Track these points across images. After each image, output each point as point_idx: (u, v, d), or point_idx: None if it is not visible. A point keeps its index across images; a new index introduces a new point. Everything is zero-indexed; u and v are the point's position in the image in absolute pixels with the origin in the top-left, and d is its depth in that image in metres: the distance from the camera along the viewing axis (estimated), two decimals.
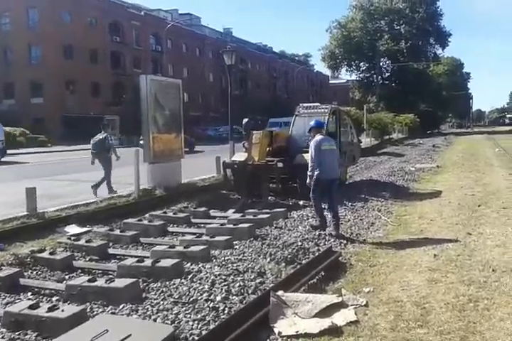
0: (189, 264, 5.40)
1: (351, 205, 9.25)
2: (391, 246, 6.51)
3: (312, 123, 7.63)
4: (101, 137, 10.49)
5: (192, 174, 12.74)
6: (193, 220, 7.89)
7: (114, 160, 10.56)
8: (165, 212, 8.14)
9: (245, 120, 10.90)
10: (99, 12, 45.33)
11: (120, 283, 4.50)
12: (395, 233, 7.33)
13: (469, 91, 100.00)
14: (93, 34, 44.49)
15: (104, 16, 46.17)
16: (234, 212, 8.45)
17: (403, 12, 54.50)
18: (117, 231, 6.88)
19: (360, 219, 8.17)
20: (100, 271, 5.47)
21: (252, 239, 6.50)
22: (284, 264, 5.45)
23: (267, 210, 8.18)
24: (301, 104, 11.90)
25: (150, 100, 10.20)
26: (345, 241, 6.68)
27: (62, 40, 41.39)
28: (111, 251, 6.18)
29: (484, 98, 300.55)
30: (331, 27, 55.16)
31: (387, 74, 58.67)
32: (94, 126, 30.51)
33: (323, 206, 7.33)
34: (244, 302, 4.33)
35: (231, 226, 6.84)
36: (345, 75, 65.04)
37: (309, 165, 7.15)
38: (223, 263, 5.39)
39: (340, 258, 5.86)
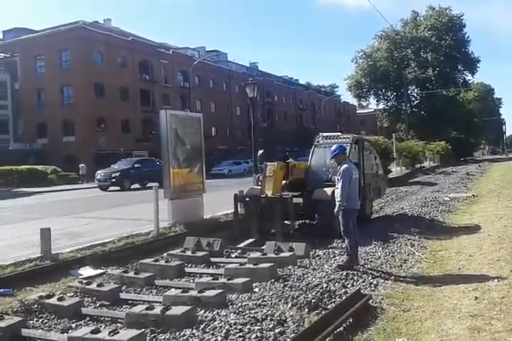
0: (202, 311, 4.95)
1: (382, 240, 8.65)
2: (427, 286, 5.94)
3: (334, 148, 7.09)
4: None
5: (215, 209, 12.40)
6: (212, 259, 7.47)
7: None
8: (183, 251, 7.75)
9: (260, 151, 10.41)
10: (129, 52, 46.89)
11: (125, 335, 4.09)
12: (430, 271, 6.73)
13: (502, 116, 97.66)
14: (123, 73, 45.88)
15: (134, 56, 47.68)
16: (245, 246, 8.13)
17: (429, 40, 54.27)
18: (131, 273, 6.52)
19: (392, 256, 7.58)
20: (109, 319, 5.10)
21: (273, 280, 6.03)
22: (307, 310, 4.95)
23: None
24: (320, 134, 11.00)
25: (170, 135, 10.02)
26: (375, 282, 6.14)
27: (93, 79, 42.70)
28: (123, 295, 5.80)
29: None
30: (356, 57, 55.38)
31: (415, 102, 57.99)
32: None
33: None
34: None
35: (251, 266, 6.38)
36: (373, 104, 64.65)
37: (339, 195, 6.72)
38: (240, 309, 4.92)
39: (370, 301, 5.33)
